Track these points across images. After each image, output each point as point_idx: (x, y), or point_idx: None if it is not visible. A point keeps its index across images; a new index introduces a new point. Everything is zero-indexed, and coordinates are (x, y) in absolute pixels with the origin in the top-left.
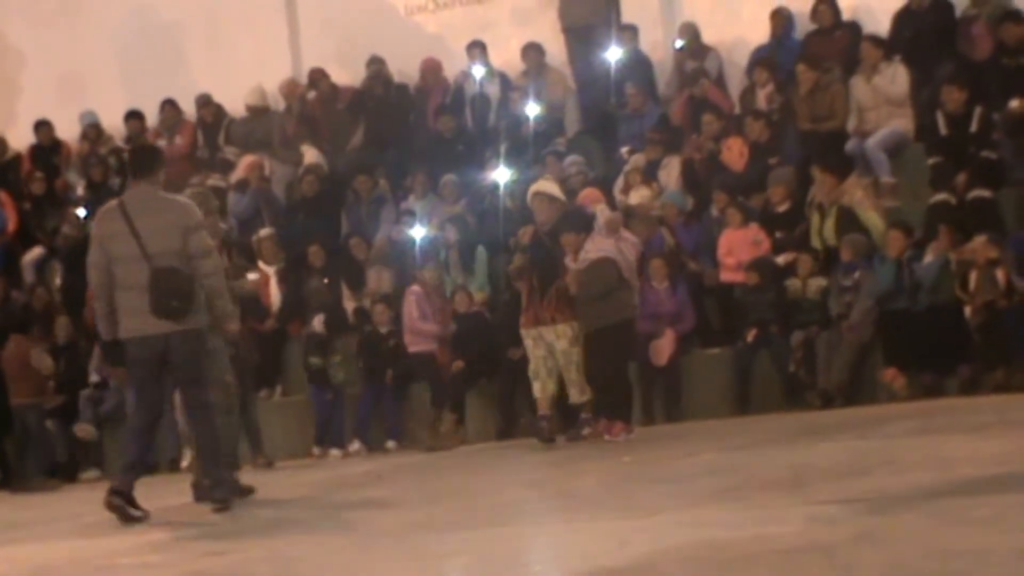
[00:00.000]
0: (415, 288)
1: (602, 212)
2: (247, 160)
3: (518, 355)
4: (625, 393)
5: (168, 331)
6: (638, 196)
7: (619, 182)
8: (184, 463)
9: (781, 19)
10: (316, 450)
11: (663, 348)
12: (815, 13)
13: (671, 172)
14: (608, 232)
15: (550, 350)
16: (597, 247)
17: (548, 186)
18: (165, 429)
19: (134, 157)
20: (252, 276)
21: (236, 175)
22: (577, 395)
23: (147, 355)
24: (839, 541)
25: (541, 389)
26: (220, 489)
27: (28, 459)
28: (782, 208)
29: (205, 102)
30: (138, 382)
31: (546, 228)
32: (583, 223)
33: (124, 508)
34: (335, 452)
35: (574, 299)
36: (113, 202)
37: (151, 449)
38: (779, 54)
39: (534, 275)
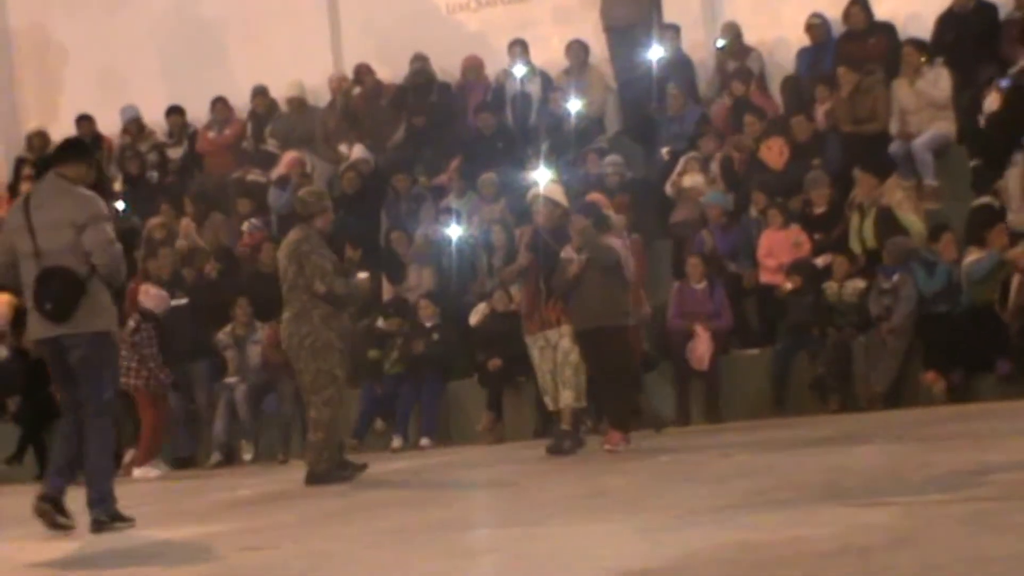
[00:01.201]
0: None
1: (617, 219)
2: (288, 156)
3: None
4: (624, 401)
5: (58, 334)
6: (691, 180)
7: (678, 166)
8: (247, 456)
9: (818, 30)
10: (354, 442)
11: (701, 352)
12: (847, 16)
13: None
14: (617, 234)
15: (555, 355)
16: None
17: (553, 189)
18: (202, 428)
19: (59, 147)
20: (362, 275)
21: (278, 171)
22: (573, 400)
23: (50, 358)
24: (874, 545)
25: (552, 403)
26: (101, 507)
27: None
28: (820, 210)
29: (259, 92)
30: (58, 384)
31: (546, 230)
32: (597, 217)
33: (51, 514)
34: (397, 441)
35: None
36: (23, 195)
37: (78, 452)
38: (822, 59)
39: (540, 277)
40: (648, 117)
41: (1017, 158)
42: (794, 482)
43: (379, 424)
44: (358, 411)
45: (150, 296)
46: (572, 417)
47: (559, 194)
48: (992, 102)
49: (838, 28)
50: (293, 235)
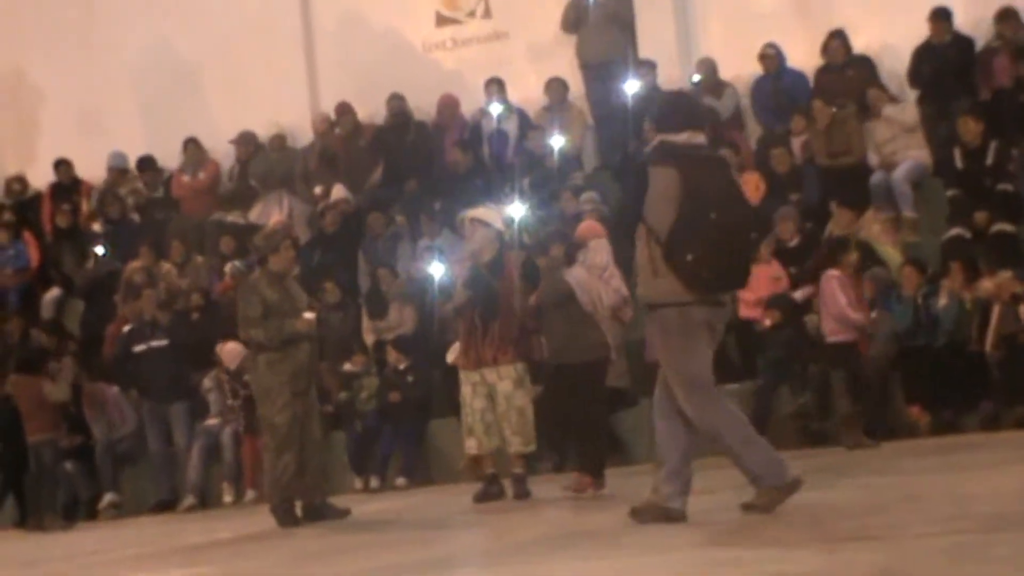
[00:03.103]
0: (834, 273)
1: (596, 248)
2: (273, 221)
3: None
4: (595, 444)
5: None
6: None
7: None
8: (227, 498)
9: (771, 60)
10: (358, 482)
11: None
12: (826, 49)
13: None
14: (588, 268)
15: (491, 397)
16: (571, 275)
17: (484, 213)
18: (181, 471)
19: None
20: (308, 315)
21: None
22: (521, 445)
23: None
24: None
25: (478, 446)
26: None
27: (42, 497)
28: (792, 243)
29: (246, 140)
30: None
31: (483, 259)
32: (567, 248)
33: None
34: (375, 482)
35: (518, 338)
36: None
37: None
38: (778, 89)
39: (475, 312)
40: (626, 153)
41: (641, 232)
42: (777, 517)
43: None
44: (347, 453)
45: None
46: (521, 461)
47: (491, 216)
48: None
49: (814, 61)
50: None
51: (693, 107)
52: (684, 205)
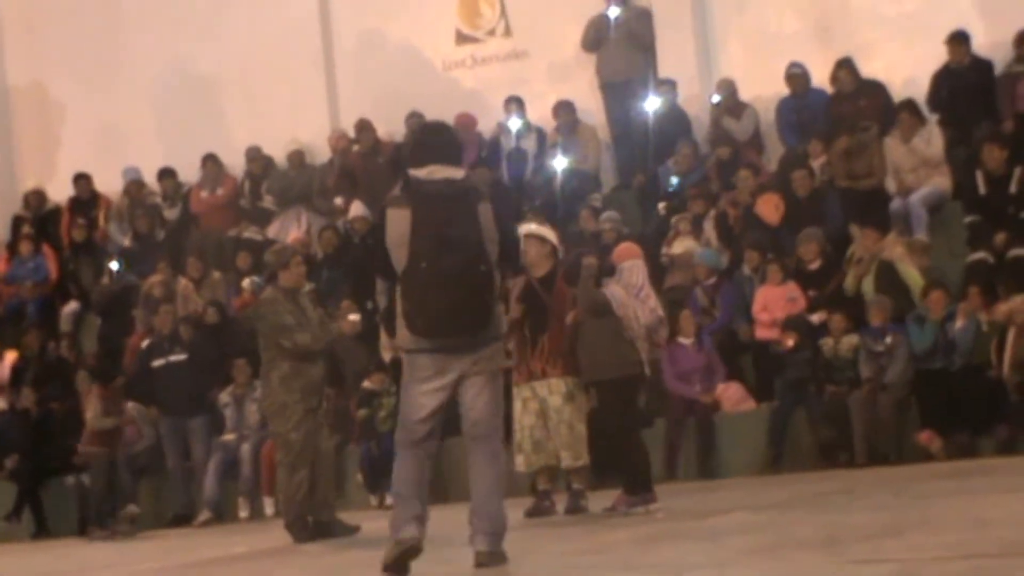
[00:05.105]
0: None
1: (631, 268)
2: (294, 235)
3: None
4: (627, 460)
5: None
6: (682, 246)
7: (669, 234)
8: (243, 513)
9: (798, 80)
10: (373, 500)
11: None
12: (835, 78)
13: (711, 227)
14: (625, 287)
15: (542, 413)
16: (608, 292)
17: (538, 228)
18: (194, 481)
19: None
20: (353, 317)
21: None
22: (571, 460)
23: None
24: None
25: (525, 464)
26: None
27: (60, 510)
28: (814, 266)
29: (255, 155)
30: None
31: (538, 273)
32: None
33: None
34: (391, 499)
35: (569, 350)
36: None
37: None
38: (803, 110)
39: (526, 326)
40: (648, 172)
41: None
42: (791, 539)
43: (359, 478)
44: (360, 470)
45: None
46: (580, 476)
47: (546, 232)
48: None
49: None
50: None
51: (441, 139)
52: (410, 250)
